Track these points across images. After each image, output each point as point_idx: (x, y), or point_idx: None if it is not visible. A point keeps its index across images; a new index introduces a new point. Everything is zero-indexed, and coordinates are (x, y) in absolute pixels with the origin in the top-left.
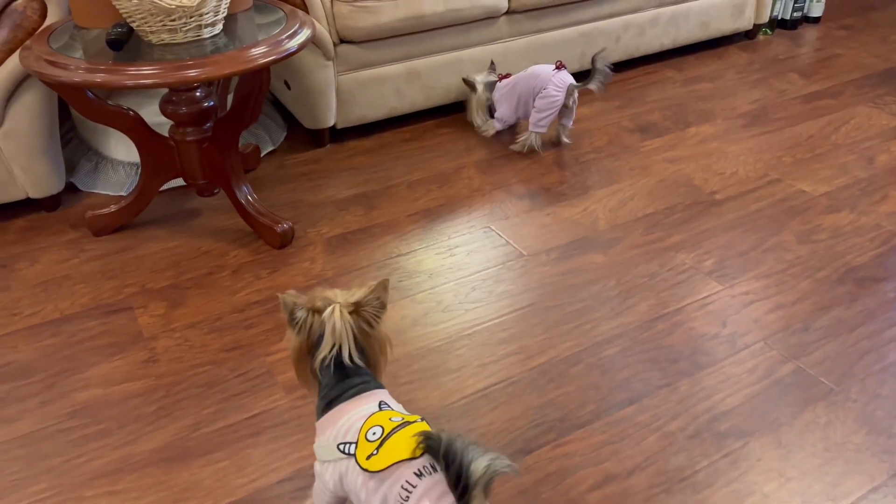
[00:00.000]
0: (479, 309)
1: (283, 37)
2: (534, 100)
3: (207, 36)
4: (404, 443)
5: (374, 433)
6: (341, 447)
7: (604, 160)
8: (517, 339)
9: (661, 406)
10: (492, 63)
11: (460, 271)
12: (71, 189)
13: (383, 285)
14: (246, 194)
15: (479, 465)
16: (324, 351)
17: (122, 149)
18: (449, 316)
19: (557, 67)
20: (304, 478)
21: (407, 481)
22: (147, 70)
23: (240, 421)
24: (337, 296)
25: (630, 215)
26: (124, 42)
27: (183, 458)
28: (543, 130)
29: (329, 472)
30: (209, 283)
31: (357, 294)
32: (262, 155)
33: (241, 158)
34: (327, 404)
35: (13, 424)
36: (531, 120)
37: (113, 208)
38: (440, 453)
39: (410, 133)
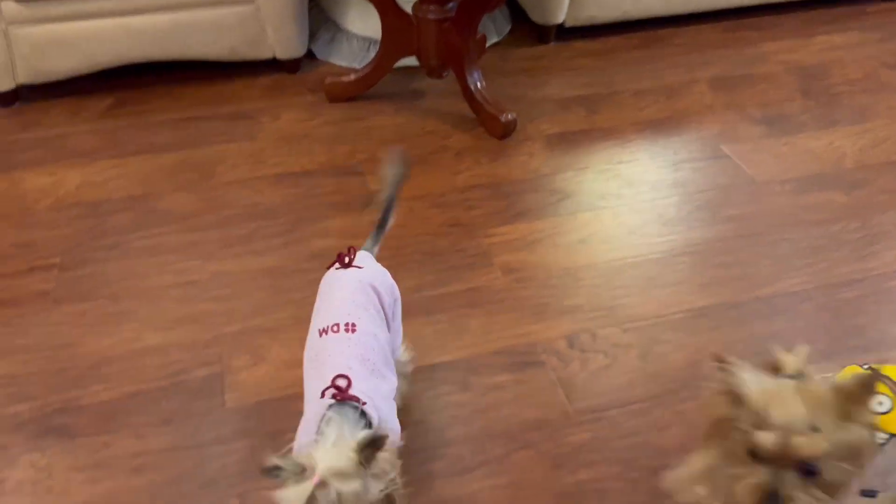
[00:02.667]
0: (703, 228)
1: None
2: None
3: None
4: None
5: (880, 403)
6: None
7: (857, 94)
8: (742, 266)
9: None
10: None
11: (685, 188)
12: (309, 56)
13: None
14: (476, 81)
15: None
16: None
17: (358, 22)
18: (669, 230)
19: None
20: (516, 354)
21: None
22: None
23: (459, 291)
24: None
25: (883, 157)
26: None
27: (407, 314)
28: None
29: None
30: (432, 161)
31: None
32: (486, 45)
33: None
34: None
35: (260, 258)
36: None
37: (352, 77)
38: None
39: (640, 40)
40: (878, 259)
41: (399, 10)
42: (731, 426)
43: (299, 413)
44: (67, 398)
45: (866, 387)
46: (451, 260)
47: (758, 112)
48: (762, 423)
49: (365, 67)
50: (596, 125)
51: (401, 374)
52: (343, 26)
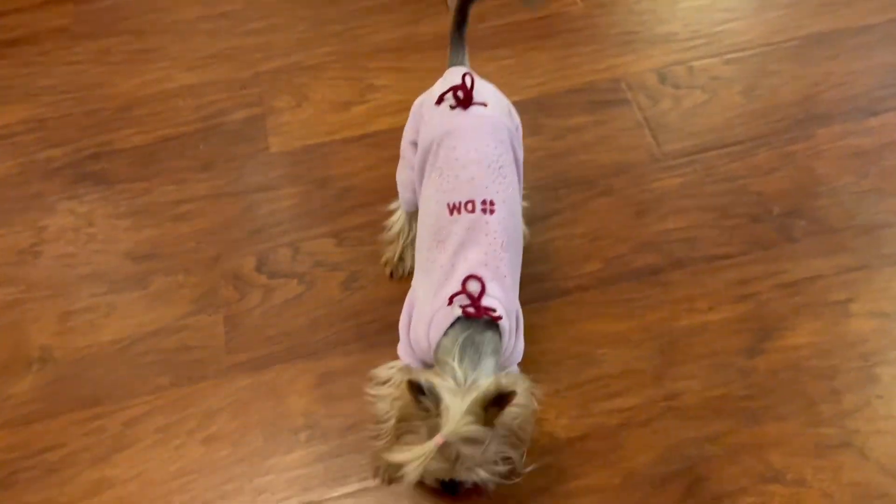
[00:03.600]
0: None
1: None
2: None
3: None
4: None
5: None
6: None
7: None
8: None
9: None
10: None
11: None
12: None
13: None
14: None
15: None
16: None
17: None
18: None
19: None
20: (597, 92)
21: None
22: None
23: (528, 20)
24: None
25: None
26: None
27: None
28: None
29: None
30: None
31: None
32: None
33: None
34: None
35: None
36: None
37: None
38: None
39: None
40: None
41: None
42: None
43: (349, 160)
44: (100, 142)
45: None
46: None
47: None
48: None
49: None
50: None
51: None
52: None
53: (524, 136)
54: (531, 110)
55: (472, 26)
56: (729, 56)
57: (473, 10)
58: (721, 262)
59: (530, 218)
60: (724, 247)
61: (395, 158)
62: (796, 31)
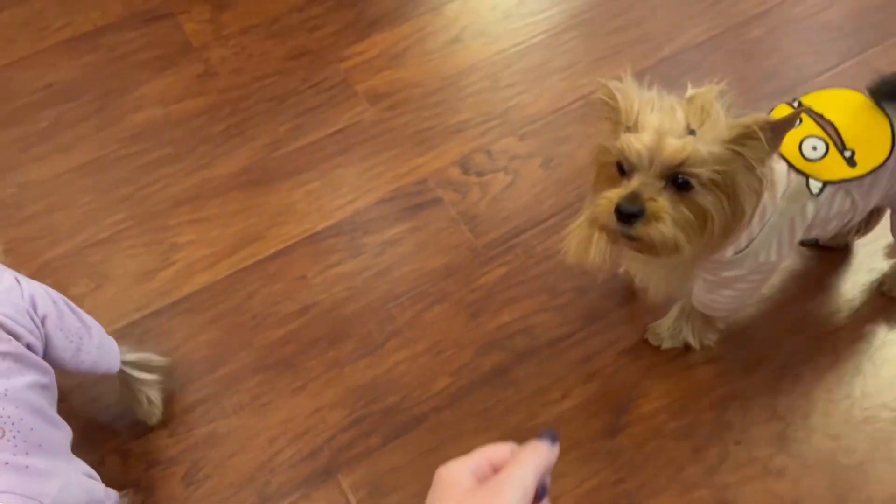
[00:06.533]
0: None
1: None
2: None
3: None
4: (864, 121)
5: (814, 147)
6: (812, 186)
7: None
8: (638, 26)
9: None
10: None
11: None
12: None
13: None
14: None
15: None
16: None
17: None
18: (550, 2)
19: None
20: (406, 197)
21: None
22: None
23: (323, 137)
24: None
25: None
26: None
27: (267, 181)
28: None
29: (784, 243)
30: None
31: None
32: None
33: None
34: None
35: (71, 153)
36: None
37: None
38: None
39: None
40: None
41: None
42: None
43: (164, 334)
44: None
45: (780, 124)
46: (306, 100)
47: None
48: (633, 128)
49: None
50: None
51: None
52: None
53: (347, 260)
54: (348, 231)
55: (269, 155)
56: (522, 131)
57: (266, 139)
58: (562, 343)
59: (370, 346)
60: (561, 327)
61: (217, 319)
62: (577, 93)
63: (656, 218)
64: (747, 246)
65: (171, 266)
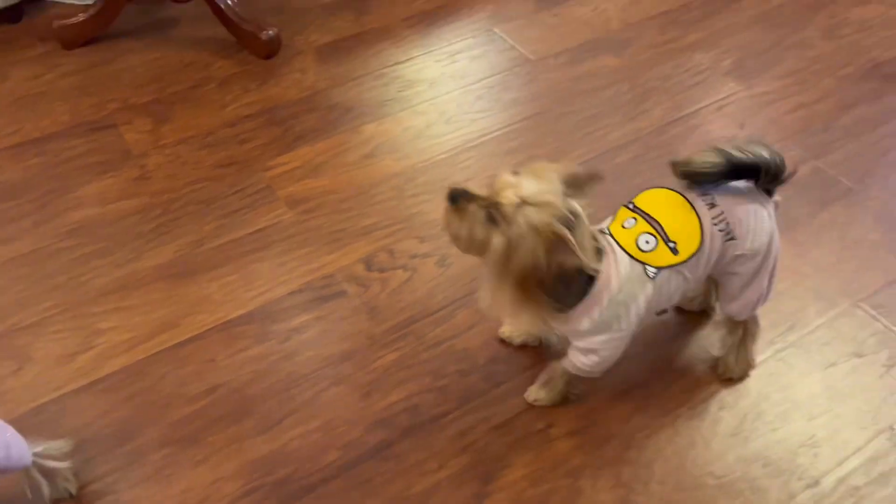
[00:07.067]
0: (486, 119)
1: None
2: None
3: None
4: (681, 217)
5: (647, 241)
6: (648, 272)
7: None
8: (526, 149)
9: None
10: None
11: (463, 79)
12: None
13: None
14: None
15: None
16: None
17: None
18: (453, 127)
19: None
20: (314, 290)
21: (712, 220)
22: None
23: (244, 236)
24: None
25: (644, 14)
26: None
27: (189, 274)
28: None
29: (633, 314)
30: (195, 96)
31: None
32: None
33: None
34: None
35: (11, 245)
36: None
37: (82, 17)
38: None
39: None
40: (647, 117)
41: None
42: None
43: (80, 411)
44: None
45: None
46: (231, 204)
47: None
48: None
49: (97, 3)
50: (367, 27)
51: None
52: None
53: (255, 345)
54: (258, 320)
55: (191, 251)
56: (423, 234)
57: (192, 237)
58: (442, 420)
59: (269, 423)
60: (441, 406)
61: (129, 398)
62: None
63: (460, 213)
64: (599, 317)
65: (92, 349)
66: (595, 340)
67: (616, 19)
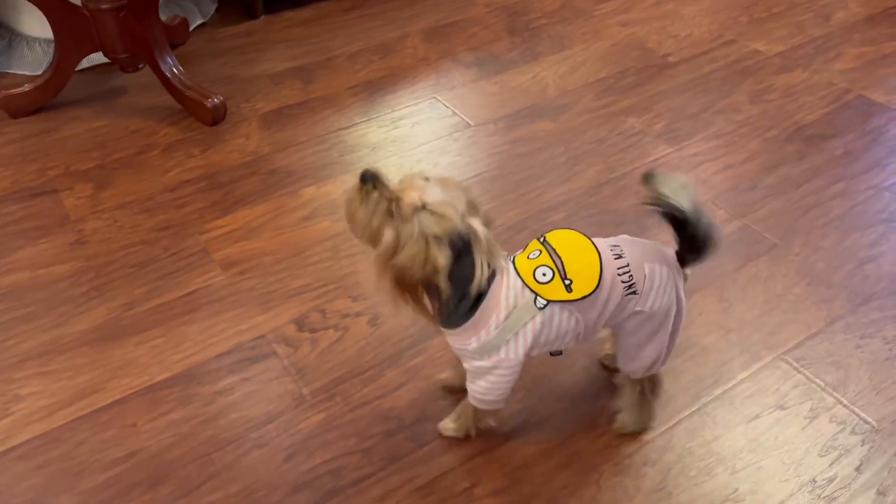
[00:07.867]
0: None
1: None
2: None
3: None
4: (584, 259)
5: (544, 274)
6: (538, 302)
7: (555, 25)
8: None
9: None
10: None
11: (404, 143)
12: None
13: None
14: (171, 67)
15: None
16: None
17: (36, 24)
18: None
19: None
20: (243, 351)
21: (617, 269)
22: None
23: (175, 299)
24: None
25: (581, 81)
26: None
27: (116, 338)
28: None
29: (520, 343)
30: (138, 163)
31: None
32: (190, 28)
33: (166, 31)
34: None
35: None
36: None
37: (28, 87)
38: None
39: (352, 2)
40: (581, 178)
41: (67, 5)
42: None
43: None
44: None
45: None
46: (165, 266)
47: (469, 56)
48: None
49: (45, 73)
50: (313, 95)
51: None
52: (19, 30)
53: (177, 409)
54: (182, 383)
55: (120, 315)
56: (355, 294)
57: (122, 300)
58: (365, 482)
59: (188, 489)
60: (365, 468)
61: (44, 465)
62: None
63: (364, 196)
64: (486, 339)
65: (10, 416)
66: (483, 365)
67: (553, 86)
